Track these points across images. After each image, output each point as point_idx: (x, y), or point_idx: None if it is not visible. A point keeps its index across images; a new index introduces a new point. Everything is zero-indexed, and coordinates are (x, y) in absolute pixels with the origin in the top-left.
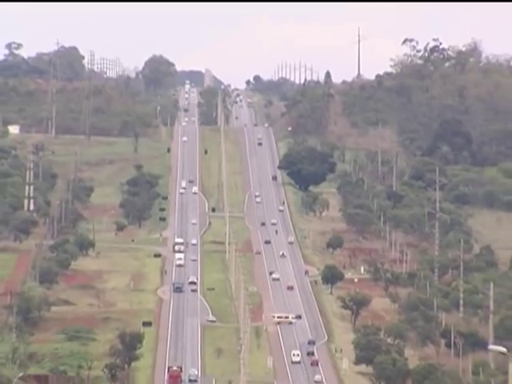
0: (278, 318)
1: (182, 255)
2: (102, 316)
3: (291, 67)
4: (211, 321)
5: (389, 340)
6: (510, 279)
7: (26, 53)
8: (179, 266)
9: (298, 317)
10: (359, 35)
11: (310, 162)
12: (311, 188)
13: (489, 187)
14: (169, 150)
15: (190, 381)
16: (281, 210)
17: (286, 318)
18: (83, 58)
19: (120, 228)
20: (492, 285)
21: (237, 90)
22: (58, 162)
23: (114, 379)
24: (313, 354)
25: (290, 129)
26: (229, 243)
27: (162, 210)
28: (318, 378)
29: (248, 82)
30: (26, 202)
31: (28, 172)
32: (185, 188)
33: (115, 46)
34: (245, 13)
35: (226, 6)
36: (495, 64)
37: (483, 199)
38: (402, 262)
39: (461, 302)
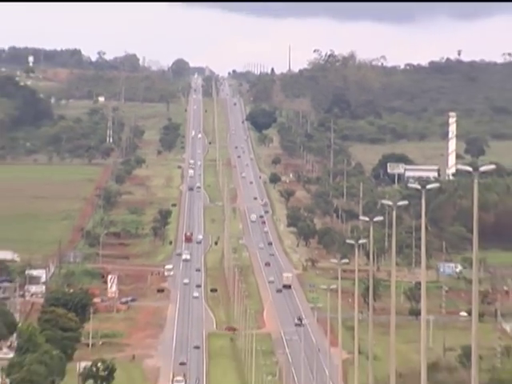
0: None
1: (192, 171)
2: (149, 201)
3: (253, 65)
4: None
5: (305, 214)
6: (371, 181)
7: (108, 56)
8: (191, 176)
9: (255, 199)
10: (289, 47)
11: (262, 116)
12: (263, 131)
13: (358, 131)
14: (186, 110)
15: (197, 242)
16: (246, 140)
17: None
18: (139, 59)
19: (159, 152)
20: (361, 184)
21: (223, 77)
22: (125, 117)
23: (155, 235)
24: (262, 217)
25: (251, 99)
26: (218, 160)
27: (182, 143)
28: (266, 229)
29: (229, 73)
30: (107, 138)
31: (109, 122)
32: (194, 134)
33: (158, 52)
34: (227, 32)
35: (216, 27)
36: (364, 63)
37: (356, 137)
38: (312, 171)
39: (344, 193)
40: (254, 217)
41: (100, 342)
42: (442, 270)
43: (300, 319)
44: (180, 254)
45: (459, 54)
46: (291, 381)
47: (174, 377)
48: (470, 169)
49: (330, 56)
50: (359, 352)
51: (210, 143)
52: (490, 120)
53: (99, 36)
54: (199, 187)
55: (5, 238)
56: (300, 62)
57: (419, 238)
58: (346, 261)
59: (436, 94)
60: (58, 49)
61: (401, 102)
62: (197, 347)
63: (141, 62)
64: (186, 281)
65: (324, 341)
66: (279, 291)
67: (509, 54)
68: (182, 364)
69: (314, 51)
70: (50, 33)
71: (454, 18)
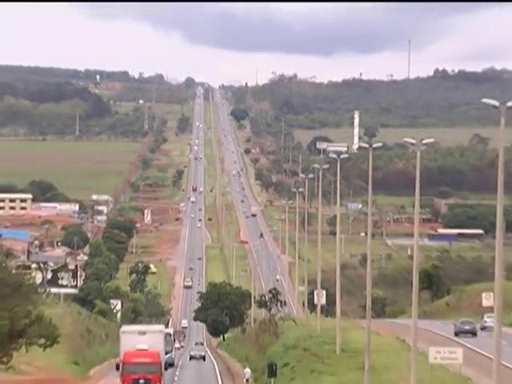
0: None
1: (197, 147)
2: (170, 164)
3: (234, 81)
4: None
5: (266, 172)
6: (306, 153)
7: (145, 75)
8: (196, 150)
9: (234, 162)
10: (257, 70)
11: (240, 112)
12: (240, 121)
13: (299, 122)
14: (193, 109)
15: (199, 192)
16: (229, 126)
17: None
18: (164, 77)
19: (176, 135)
20: (300, 155)
21: (216, 88)
22: (156, 112)
23: (174, 185)
24: (239, 173)
25: (233, 102)
26: (212, 139)
27: (190, 129)
28: (241, 181)
29: (219, 86)
30: (144, 125)
31: (146, 115)
32: (198, 123)
33: (176, 72)
34: (219, 60)
35: (212, 57)
36: (303, 80)
37: (297, 126)
38: (270, 147)
39: (290, 160)
40: (234, 172)
41: (140, 251)
42: (349, 207)
43: (261, 235)
44: (189, 198)
45: (361, 75)
46: (257, 275)
47: (184, 278)
48: (366, 145)
49: (281, 76)
50: (299, 257)
51: (207, 128)
52: (379, 116)
53: (140, 61)
54: (201, 157)
55: (82, 186)
56: (263, 79)
57: (336, 188)
58: (291, 202)
59: (346, 100)
60: (115, 70)
61: (325, 104)
62: (199, 258)
63: (165, 78)
64: (192, 215)
65: (277, 250)
66: (247, 217)
67: (391, 75)
68: (190, 269)
69: (272, 73)
70: (109, 59)
71: (358, 52)
